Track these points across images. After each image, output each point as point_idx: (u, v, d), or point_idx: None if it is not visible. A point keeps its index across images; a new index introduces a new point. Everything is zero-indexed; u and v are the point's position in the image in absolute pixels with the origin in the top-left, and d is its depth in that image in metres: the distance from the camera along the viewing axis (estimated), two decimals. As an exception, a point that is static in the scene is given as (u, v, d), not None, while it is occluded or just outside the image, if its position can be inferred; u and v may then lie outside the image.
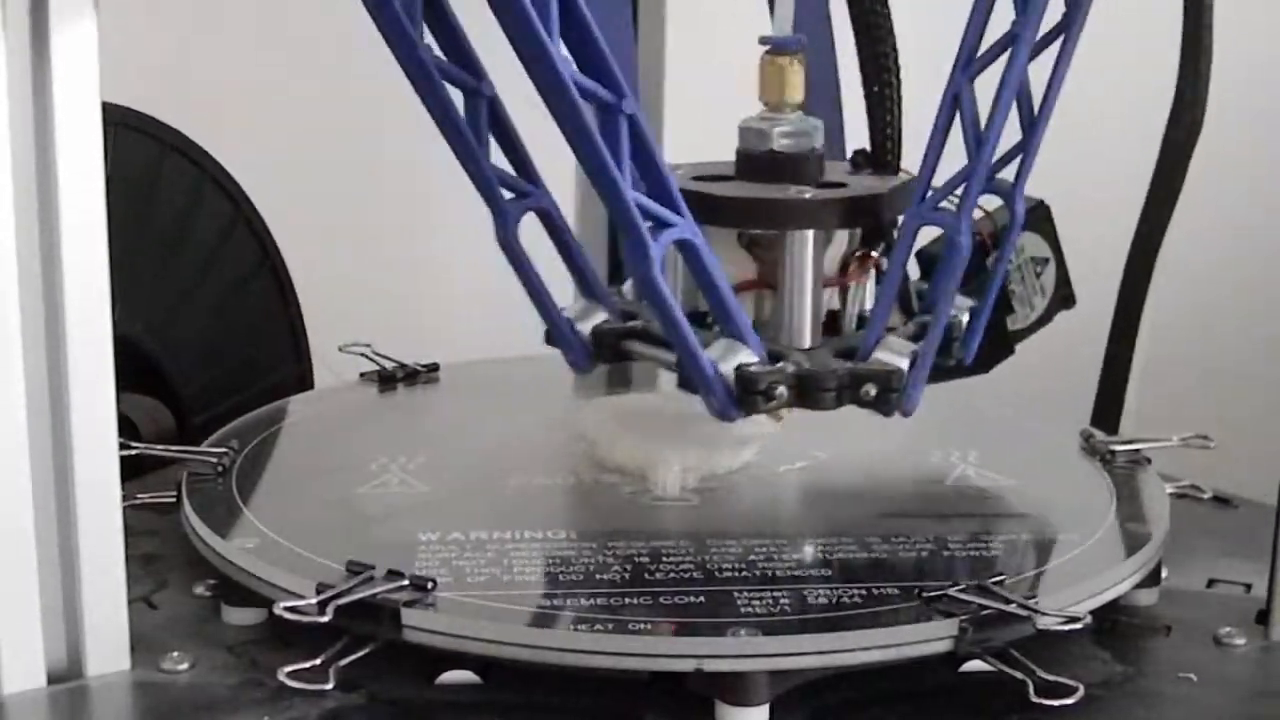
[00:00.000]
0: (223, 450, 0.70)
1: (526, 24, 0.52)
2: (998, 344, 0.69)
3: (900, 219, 0.65)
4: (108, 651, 0.58)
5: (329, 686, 0.56)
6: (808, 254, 0.64)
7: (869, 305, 0.66)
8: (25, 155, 0.54)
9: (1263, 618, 0.63)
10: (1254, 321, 1.10)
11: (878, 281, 0.66)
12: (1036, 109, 0.63)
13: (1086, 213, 1.02)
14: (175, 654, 0.59)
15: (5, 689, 0.56)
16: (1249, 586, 0.66)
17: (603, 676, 0.56)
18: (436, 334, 0.94)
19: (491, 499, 0.68)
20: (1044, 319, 0.71)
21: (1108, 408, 0.79)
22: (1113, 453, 0.72)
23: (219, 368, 0.85)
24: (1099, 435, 0.74)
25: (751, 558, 0.62)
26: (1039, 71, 0.63)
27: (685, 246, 0.59)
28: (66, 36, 0.54)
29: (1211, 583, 0.67)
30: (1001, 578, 0.59)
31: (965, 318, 0.66)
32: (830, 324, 0.66)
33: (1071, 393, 0.81)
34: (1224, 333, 1.11)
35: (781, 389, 0.62)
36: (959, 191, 0.63)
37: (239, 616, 0.62)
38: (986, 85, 0.62)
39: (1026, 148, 0.63)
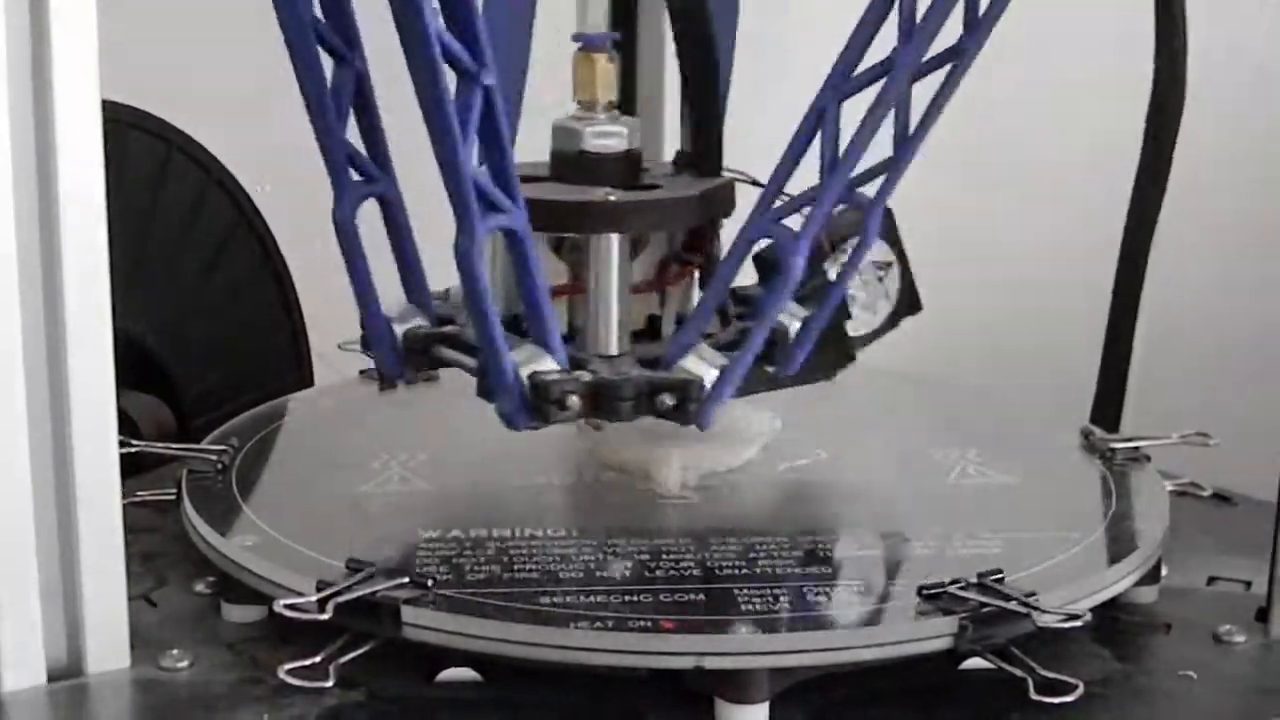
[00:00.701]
0: (222, 448, 0.70)
1: None
2: (838, 351, 0.66)
3: (721, 221, 0.63)
4: (107, 649, 0.58)
5: (329, 684, 0.56)
6: (613, 258, 0.63)
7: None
8: (25, 154, 0.54)
9: (1262, 615, 0.63)
10: (1253, 317, 1.10)
11: (703, 285, 0.64)
12: (912, 129, 0.60)
13: (1079, 207, 1.03)
14: (175, 651, 0.59)
15: (5, 686, 0.56)
16: (1249, 584, 0.66)
17: (603, 674, 0.56)
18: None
19: (492, 497, 0.68)
20: (888, 325, 0.68)
21: (1107, 405, 0.79)
22: (1112, 450, 0.72)
23: (222, 368, 0.85)
24: (1098, 433, 0.74)
25: (751, 555, 0.62)
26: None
27: (512, 237, 0.58)
28: (67, 34, 0.54)
29: (1211, 580, 0.67)
30: (1001, 575, 0.58)
31: (795, 326, 0.63)
32: (651, 329, 0.65)
33: (1071, 390, 0.81)
34: (1223, 329, 1.11)
35: (574, 398, 0.60)
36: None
37: (239, 614, 0.62)
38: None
39: (894, 167, 0.61)
